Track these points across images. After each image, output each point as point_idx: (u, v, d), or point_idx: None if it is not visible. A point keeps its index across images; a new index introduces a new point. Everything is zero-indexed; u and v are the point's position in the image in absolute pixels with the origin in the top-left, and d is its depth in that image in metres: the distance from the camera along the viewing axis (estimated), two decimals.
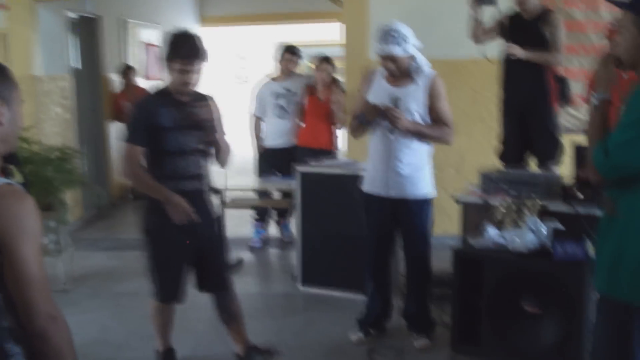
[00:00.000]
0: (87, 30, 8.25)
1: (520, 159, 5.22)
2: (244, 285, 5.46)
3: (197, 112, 3.62)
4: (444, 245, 4.84)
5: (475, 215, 4.38)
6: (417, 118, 4.05)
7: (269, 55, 8.83)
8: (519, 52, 4.98)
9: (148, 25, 10.05)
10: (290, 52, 6.57)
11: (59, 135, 7.06)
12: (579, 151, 4.32)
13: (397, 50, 3.92)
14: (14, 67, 2.10)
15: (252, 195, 6.75)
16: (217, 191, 5.82)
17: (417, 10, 6.10)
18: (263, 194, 6.63)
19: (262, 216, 6.77)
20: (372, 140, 4.19)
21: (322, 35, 13.46)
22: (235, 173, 7.56)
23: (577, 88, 5.75)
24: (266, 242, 6.82)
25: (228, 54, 15.33)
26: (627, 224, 2.36)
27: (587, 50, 6.16)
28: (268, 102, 6.53)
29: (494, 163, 5.24)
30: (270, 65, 8.01)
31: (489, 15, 5.20)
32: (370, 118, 4.05)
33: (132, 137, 3.63)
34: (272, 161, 6.55)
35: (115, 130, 8.06)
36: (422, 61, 4.07)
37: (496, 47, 5.21)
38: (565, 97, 5.24)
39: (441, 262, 4.55)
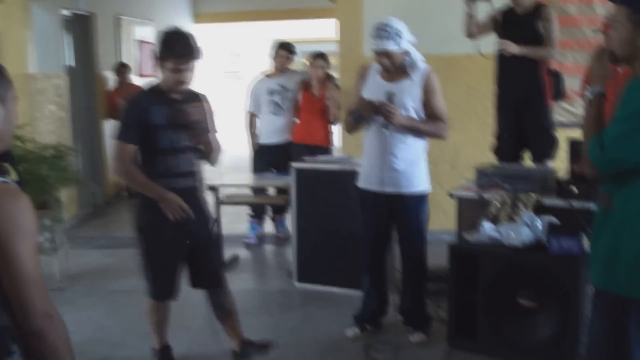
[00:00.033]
0: (81, 28, 8.22)
1: (515, 154, 5.23)
2: (240, 282, 5.47)
3: (189, 112, 3.61)
4: (439, 240, 4.85)
5: (470, 210, 4.39)
6: (412, 113, 4.05)
7: (263, 52, 8.82)
8: (512, 48, 4.98)
9: (142, 22, 10.03)
10: (284, 48, 6.56)
11: (54, 133, 7.04)
12: (574, 146, 4.33)
13: (391, 46, 3.92)
14: (8, 65, 2.09)
15: (247, 192, 6.75)
16: (212, 188, 5.83)
17: (411, 5, 6.10)
18: (258, 190, 6.63)
19: (257, 213, 6.77)
20: (367, 136, 4.19)
21: (318, 32, 13.45)
22: (230, 170, 7.57)
23: (571, 83, 5.76)
24: (262, 238, 6.82)
25: (222, 52, 15.30)
26: (623, 219, 2.36)
27: (581, 45, 6.17)
28: (263, 98, 6.53)
29: (489, 158, 5.24)
30: (265, 63, 8.00)
31: (483, 11, 5.20)
32: (365, 114, 4.05)
33: (124, 135, 3.62)
34: (267, 158, 6.56)
35: (110, 128, 8.04)
36: (417, 56, 4.07)
37: (491, 43, 5.20)
38: (559, 92, 5.25)
39: (437, 257, 4.56)
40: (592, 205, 3.31)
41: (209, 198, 5.59)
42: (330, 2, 7.10)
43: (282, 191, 6.17)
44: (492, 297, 3.88)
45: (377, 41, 3.93)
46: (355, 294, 4.74)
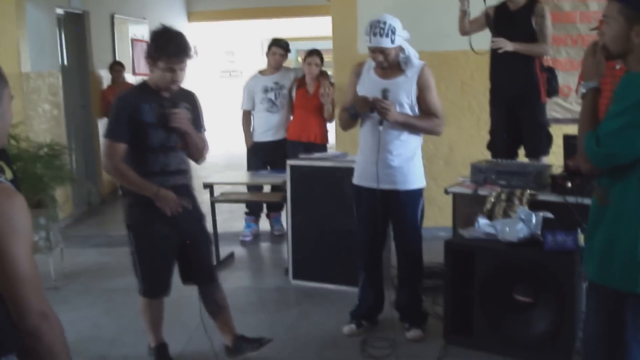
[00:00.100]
0: (75, 27, 8.21)
1: (509, 150, 5.24)
2: (236, 280, 5.47)
3: (173, 118, 3.58)
4: (435, 237, 4.86)
5: (465, 206, 4.40)
6: (407, 109, 4.05)
7: (258, 50, 8.81)
8: (505, 45, 4.98)
9: (136, 20, 10.02)
10: (278, 46, 6.55)
11: (48, 132, 7.02)
12: (568, 141, 4.33)
13: (385, 43, 3.92)
14: (2, 64, 2.08)
15: (242, 189, 6.75)
16: (207, 186, 5.83)
17: (405, 2, 6.09)
18: (253, 188, 6.63)
19: (252, 210, 6.76)
20: (362, 133, 4.20)
21: (312, 30, 13.44)
22: (225, 167, 7.57)
23: (565, 79, 5.77)
24: (257, 236, 6.82)
25: (216, 50, 15.28)
26: (618, 213, 2.37)
27: (575, 42, 6.17)
28: (257, 96, 6.52)
29: (484, 154, 5.25)
30: (260, 61, 7.99)
31: (477, 7, 5.20)
32: (359, 110, 4.05)
33: (114, 133, 3.61)
34: (262, 155, 6.56)
35: (105, 127, 8.03)
36: (411, 53, 4.07)
37: (485, 39, 5.21)
38: (553, 88, 5.26)
39: (433, 253, 4.56)
40: (586, 200, 3.32)
41: (205, 196, 5.60)
42: None
43: (278, 188, 6.17)
44: (488, 292, 3.89)
45: (371, 38, 3.93)
46: (351, 290, 4.74)
